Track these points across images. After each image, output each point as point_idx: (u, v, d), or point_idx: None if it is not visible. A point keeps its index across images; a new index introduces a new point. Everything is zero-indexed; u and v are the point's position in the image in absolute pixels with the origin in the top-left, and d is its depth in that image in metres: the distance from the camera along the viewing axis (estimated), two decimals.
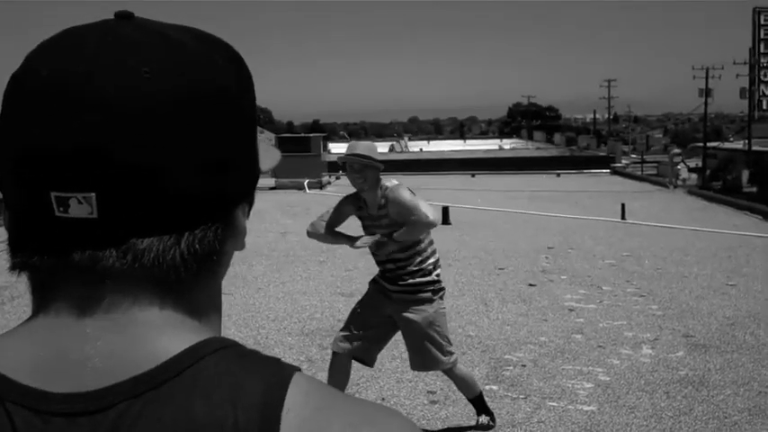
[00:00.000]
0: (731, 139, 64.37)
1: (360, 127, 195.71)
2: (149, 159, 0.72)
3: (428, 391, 6.64)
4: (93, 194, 0.72)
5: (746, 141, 51.37)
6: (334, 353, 5.62)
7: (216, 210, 0.78)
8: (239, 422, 0.71)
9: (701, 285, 10.91)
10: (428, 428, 5.94)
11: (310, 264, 12.45)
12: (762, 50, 64.18)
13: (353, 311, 5.72)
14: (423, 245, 5.45)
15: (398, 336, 7.98)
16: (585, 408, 6.27)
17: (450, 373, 5.59)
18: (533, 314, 9.27)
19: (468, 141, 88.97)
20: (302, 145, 27.48)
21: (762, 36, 64.51)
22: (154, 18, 0.82)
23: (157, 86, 0.73)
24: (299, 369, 0.77)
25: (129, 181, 0.72)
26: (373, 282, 5.76)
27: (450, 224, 17.17)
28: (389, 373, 7.04)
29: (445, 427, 5.99)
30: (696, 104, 71.39)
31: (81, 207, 0.72)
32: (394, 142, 76.24)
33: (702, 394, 6.57)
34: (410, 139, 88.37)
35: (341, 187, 27.48)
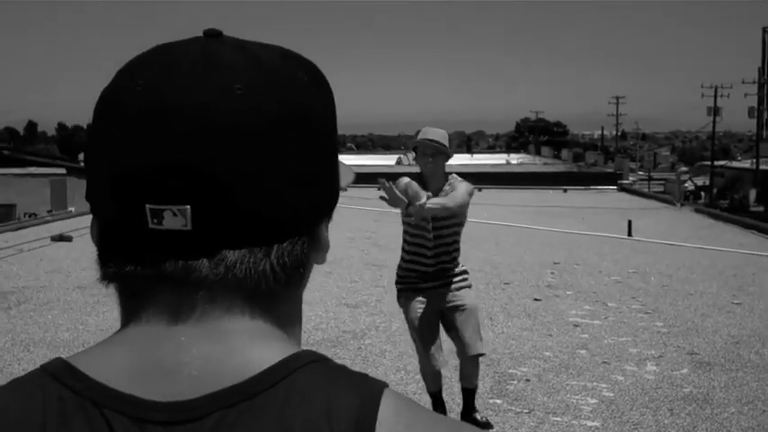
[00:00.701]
0: (739, 158, 64.36)
1: (368, 139, 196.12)
2: (242, 175, 0.75)
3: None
4: (188, 207, 0.74)
5: (754, 160, 51.33)
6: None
7: (302, 224, 0.81)
8: None
9: (706, 303, 10.89)
10: None
11: (316, 274, 12.23)
12: None
13: (420, 331, 5.74)
14: (460, 236, 5.77)
15: (404, 347, 8.01)
16: (589, 423, 6.27)
17: (477, 359, 5.90)
18: (538, 329, 9.27)
19: (475, 155, 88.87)
20: None
21: None
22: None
23: (250, 104, 0.76)
24: (387, 385, 0.79)
25: (221, 195, 0.74)
26: (408, 291, 5.76)
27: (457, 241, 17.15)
28: (394, 385, 7.02)
29: None
30: (704, 123, 71.36)
31: (175, 219, 0.74)
32: (401, 155, 76.14)
33: (706, 412, 6.57)
34: None
35: (350, 199, 27.53)
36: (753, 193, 47.16)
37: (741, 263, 14.52)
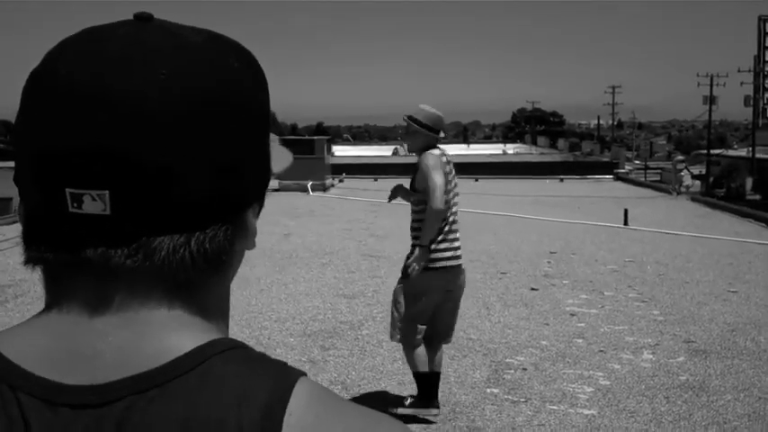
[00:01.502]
0: (735, 147, 64.44)
1: (364, 130, 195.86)
2: (163, 160, 0.74)
3: None
4: (107, 192, 0.73)
5: (750, 149, 51.35)
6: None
7: (227, 210, 0.80)
8: (243, 423, 0.72)
9: (702, 291, 10.92)
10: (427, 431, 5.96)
11: (313, 265, 12.47)
12: (766, 58, 64.16)
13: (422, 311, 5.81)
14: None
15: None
16: (586, 412, 6.29)
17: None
18: (535, 318, 9.29)
19: (471, 146, 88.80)
20: (306, 147, 27.45)
21: (766, 44, 64.51)
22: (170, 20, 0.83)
23: (174, 88, 0.75)
24: (304, 374, 0.78)
25: (142, 180, 0.73)
26: (438, 271, 5.72)
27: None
28: (391, 375, 7.06)
29: (445, 429, 6.01)
30: (700, 112, 71.47)
31: (95, 204, 0.74)
32: (398, 146, 76.10)
33: (702, 399, 6.59)
34: None
35: (344, 190, 27.52)
36: (749, 182, 47.14)
37: (737, 251, 14.54)
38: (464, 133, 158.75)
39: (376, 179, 29.98)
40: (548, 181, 34.43)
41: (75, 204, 0.74)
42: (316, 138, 31.49)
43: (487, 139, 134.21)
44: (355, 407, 0.79)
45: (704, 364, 7.56)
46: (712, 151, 56.08)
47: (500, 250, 14.22)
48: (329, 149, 34.07)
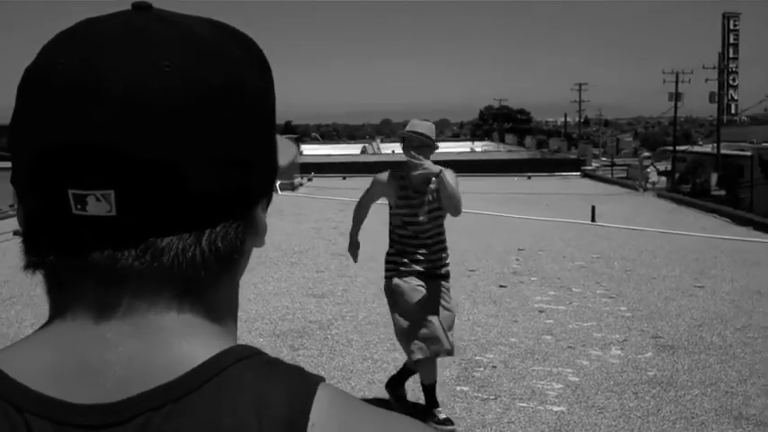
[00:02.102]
0: (700, 143, 65.03)
1: (332, 128, 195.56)
2: (169, 155, 0.71)
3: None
4: (112, 192, 0.70)
5: (715, 145, 51.87)
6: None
7: (236, 207, 0.77)
8: None
9: (669, 287, 11.01)
10: None
11: (282, 265, 12.43)
12: (731, 55, 65.02)
13: (412, 312, 5.78)
14: (443, 228, 6.06)
15: (370, 337, 8.02)
16: (555, 408, 6.33)
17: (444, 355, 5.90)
18: (504, 315, 9.32)
19: (439, 143, 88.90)
20: None
21: (731, 41, 65.37)
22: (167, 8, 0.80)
23: (178, 80, 0.71)
24: (323, 379, 0.76)
25: (148, 177, 0.70)
26: (400, 275, 5.83)
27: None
28: (361, 374, 7.06)
29: None
30: (666, 108, 72.08)
31: (99, 205, 0.70)
32: (366, 144, 76.18)
33: (670, 394, 6.65)
34: (382, 141, 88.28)
35: (313, 189, 27.47)
36: (714, 178, 47.64)
37: (703, 247, 14.68)
38: None
39: (345, 178, 30.01)
40: (516, 178, 34.58)
41: (78, 206, 0.71)
42: (284, 137, 31.39)
43: (455, 137, 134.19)
44: (377, 411, 0.77)
45: (672, 360, 7.62)
46: (678, 147, 56.62)
47: (468, 248, 14.25)
48: (298, 148, 34.07)
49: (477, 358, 7.63)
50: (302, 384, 0.74)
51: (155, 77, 0.71)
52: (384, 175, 5.91)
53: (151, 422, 0.70)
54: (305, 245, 14.33)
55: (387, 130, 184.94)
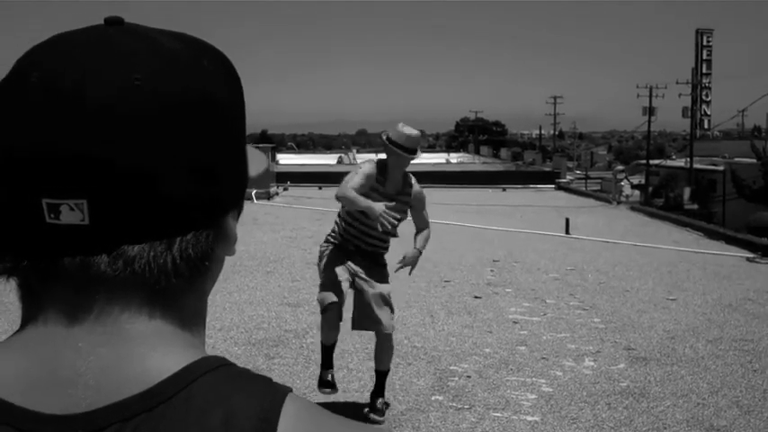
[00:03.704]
0: (673, 157, 65.58)
1: (308, 138, 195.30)
2: (141, 166, 0.72)
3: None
4: (85, 201, 0.72)
5: (688, 159, 52.30)
6: (324, 310, 5.98)
7: (207, 215, 0.78)
8: None
9: (642, 299, 11.09)
10: None
11: (257, 274, 12.41)
12: (704, 71, 65.62)
13: (326, 269, 6.09)
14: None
15: (345, 346, 8.02)
16: (529, 418, 6.36)
17: (388, 338, 6.11)
18: (478, 326, 9.35)
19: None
20: None
21: (704, 57, 65.96)
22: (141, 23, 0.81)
23: (148, 93, 0.73)
24: (290, 389, 0.78)
25: (120, 187, 0.72)
26: (338, 247, 6.16)
27: (396, 236, 17.22)
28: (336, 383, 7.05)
29: None
30: (640, 122, 72.51)
31: (73, 214, 0.72)
32: (342, 154, 76.08)
33: (643, 405, 6.70)
34: (358, 152, 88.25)
35: (289, 198, 27.41)
36: (687, 192, 48.02)
37: (676, 260, 14.80)
38: None
39: (320, 187, 29.93)
40: (491, 190, 34.67)
41: (52, 215, 0.72)
42: (260, 146, 31.35)
43: (431, 148, 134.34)
44: (344, 422, 0.79)
45: (644, 371, 7.69)
46: (651, 161, 57.07)
47: (443, 259, 14.28)
48: (273, 157, 33.97)
49: (451, 368, 7.66)
50: (270, 396, 0.76)
51: (126, 90, 0.73)
52: (372, 168, 6.11)
53: None
54: (280, 254, 14.31)
55: (363, 140, 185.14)
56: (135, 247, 0.74)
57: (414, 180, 6.30)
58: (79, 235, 0.73)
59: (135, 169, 0.72)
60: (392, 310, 6.10)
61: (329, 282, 5.96)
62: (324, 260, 6.12)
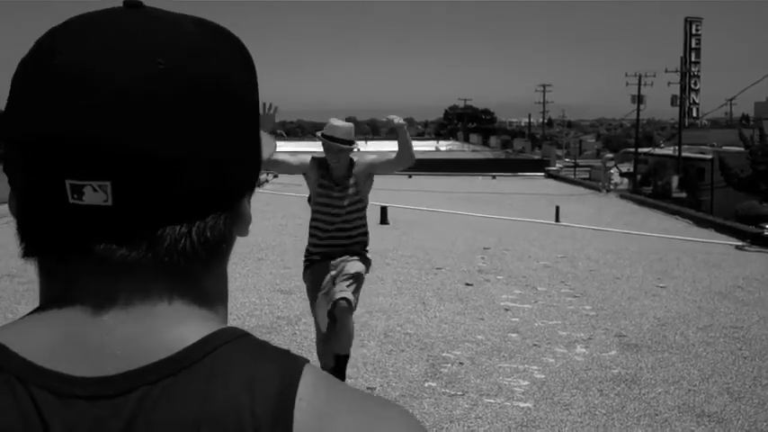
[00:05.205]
0: (662, 146, 65.67)
1: (297, 125, 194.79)
2: (163, 149, 0.73)
3: (368, 387, 6.70)
4: (109, 183, 0.72)
5: (677, 148, 52.45)
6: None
7: (225, 199, 0.79)
8: (255, 408, 0.73)
9: (632, 287, 11.15)
10: None
11: (249, 261, 12.40)
12: (693, 59, 65.84)
13: (309, 295, 6.12)
14: (365, 220, 6.17)
15: None
16: (521, 404, 6.39)
17: (346, 314, 5.85)
18: (470, 313, 9.39)
19: (358, 142, 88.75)
20: None
21: (693, 45, 66.19)
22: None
23: (171, 77, 0.74)
24: (308, 360, 0.79)
25: (143, 171, 0.73)
26: (311, 264, 6.09)
27: (388, 224, 17.27)
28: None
29: None
30: (629, 110, 72.71)
31: (96, 195, 0.72)
32: None
33: (634, 392, 6.74)
34: None
35: (279, 185, 27.39)
36: (675, 180, 48.18)
37: (665, 247, 14.87)
38: None
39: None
40: (480, 178, 34.72)
41: (75, 195, 0.73)
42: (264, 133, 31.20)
43: (420, 135, 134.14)
44: (357, 390, 0.81)
45: (635, 358, 7.73)
46: (640, 150, 57.16)
47: (435, 246, 14.32)
48: (275, 144, 33.85)
49: (444, 355, 7.68)
50: (290, 363, 0.78)
51: (149, 73, 0.73)
52: (314, 162, 6.10)
53: (150, 395, 0.73)
54: (271, 241, 14.31)
55: None
56: (157, 230, 0.75)
57: (356, 159, 6.10)
58: (102, 217, 0.74)
59: (157, 153, 0.73)
60: (357, 289, 5.92)
61: (316, 304, 5.99)
62: (306, 284, 6.16)
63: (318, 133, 6.10)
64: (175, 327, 0.77)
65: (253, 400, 0.73)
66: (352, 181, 6.02)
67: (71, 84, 0.73)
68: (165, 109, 0.73)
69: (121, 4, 0.79)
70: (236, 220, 0.82)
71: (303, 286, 6.22)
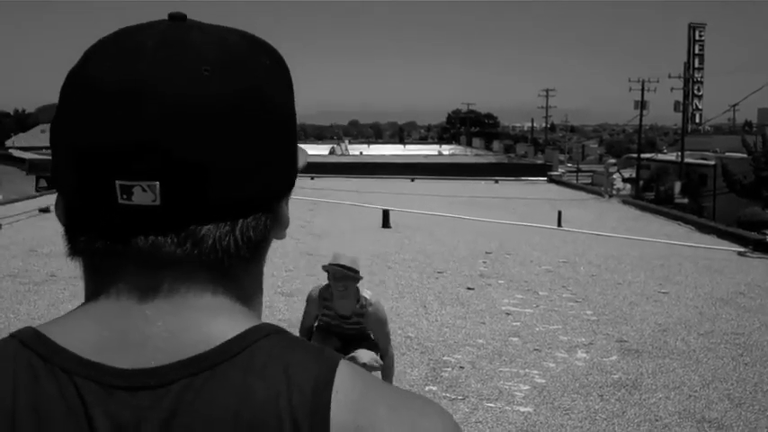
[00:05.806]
0: (665, 151, 65.65)
1: (300, 129, 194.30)
2: (208, 155, 0.77)
3: None
4: (158, 183, 0.76)
5: (679, 153, 52.38)
6: None
7: (266, 201, 0.83)
8: (293, 399, 0.76)
9: (634, 292, 11.14)
10: None
11: None
12: (696, 65, 65.80)
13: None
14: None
15: None
16: (522, 409, 6.39)
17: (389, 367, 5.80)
18: (471, 317, 9.39)
19: (407, 146, 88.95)
20: None
21: (696, 51, 66.16)
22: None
23: (217, 86, 0.77)
24: (342, 357, 0.82)
25: (190, 174, 0.76)
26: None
27: (390, 227, 17.27)
28: None
29: None
30: (631, 116, 72.55)
31: (145, 195, 0.76)
32: (334, 145, 75.99)
33: (635, 397, 6.74)
34: (350, 143, 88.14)
35: None
36: (677, 186, 48.11)
37: (667, 253, 14.86)
38: (400, 134, 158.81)
39: (312, 178, 29.89)
40: (483, 182, 34.72)
41: (124, 196, 0.76)
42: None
43: (423, 139, 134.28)
44: (391, 386, 0.84)
45: (636, 363, 7.73)
46: (642, 155, 57.09)
47: (436, 250, 14.32)
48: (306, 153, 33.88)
49: (445, 359, 7.69)
50: (326, 358, 0.80)
51: (196, 82, 0.77)
52: (315, 293, 5.84)
53: (190, 386, 0.76)
54: (273, 243, 14.18)
55: (354, 131, 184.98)
56: (202, 228, 0.79)
57: (370, 300, 5.73)
58: (150, 216, 0.77)
59: (204, 157, 0.77)
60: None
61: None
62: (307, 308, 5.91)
63: (323, 266, 5.77)
64: (215, 322, 0.80)
65: (290, 390, 0.76)
66: (358, 320, 5.71)
67: (120, 94, 0.77)
68: (211, 117, 0.77)
69: (166, 17, 0.83)
70: (275, 222, 0.86)
71: (305, 288, 6.17)
